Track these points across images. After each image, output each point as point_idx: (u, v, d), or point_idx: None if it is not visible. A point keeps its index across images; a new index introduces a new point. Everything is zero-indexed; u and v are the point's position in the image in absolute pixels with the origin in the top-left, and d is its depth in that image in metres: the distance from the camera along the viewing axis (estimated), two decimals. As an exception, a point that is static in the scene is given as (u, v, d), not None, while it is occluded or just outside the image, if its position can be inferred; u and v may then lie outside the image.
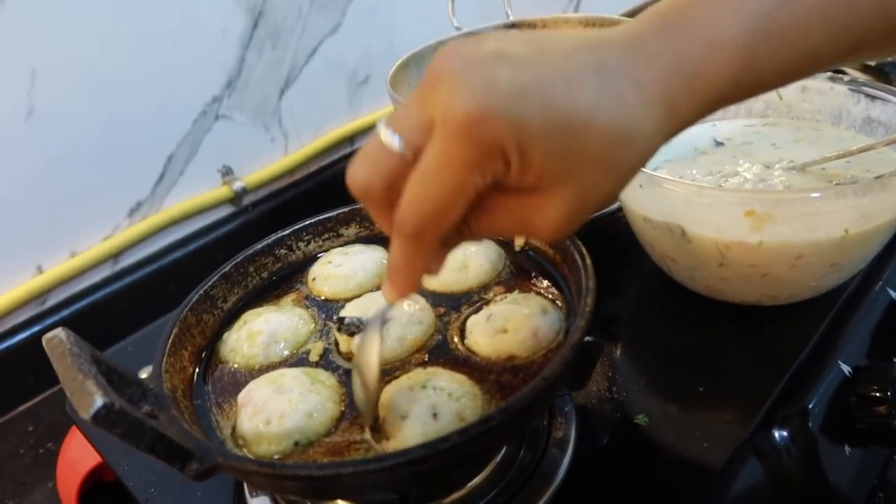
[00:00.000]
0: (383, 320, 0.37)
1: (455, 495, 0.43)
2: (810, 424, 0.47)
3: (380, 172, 0.30)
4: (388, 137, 0.29)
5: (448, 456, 0.32)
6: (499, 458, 0.45)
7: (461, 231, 0.32)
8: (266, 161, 0.89)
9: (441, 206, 0.28)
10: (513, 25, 0.82)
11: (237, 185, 0.85)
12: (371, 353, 0.36)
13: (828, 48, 0.31)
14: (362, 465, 0.31)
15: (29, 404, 0.72)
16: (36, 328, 0.73)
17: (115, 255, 0.78)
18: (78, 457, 0.58)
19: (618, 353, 0.54)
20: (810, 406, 0.48)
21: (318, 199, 0.93)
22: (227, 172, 0.85)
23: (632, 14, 1.29)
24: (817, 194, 0.43)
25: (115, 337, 0.69)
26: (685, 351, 0.53)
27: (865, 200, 0.44)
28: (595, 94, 0.28)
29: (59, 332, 0.34)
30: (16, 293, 0.71)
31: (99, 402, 0.29)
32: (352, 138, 0.98)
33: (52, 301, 0.75)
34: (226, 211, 0.87)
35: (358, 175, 0.30)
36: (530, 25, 0.81)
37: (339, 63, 0.93)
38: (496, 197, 0.30)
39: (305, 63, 0.89)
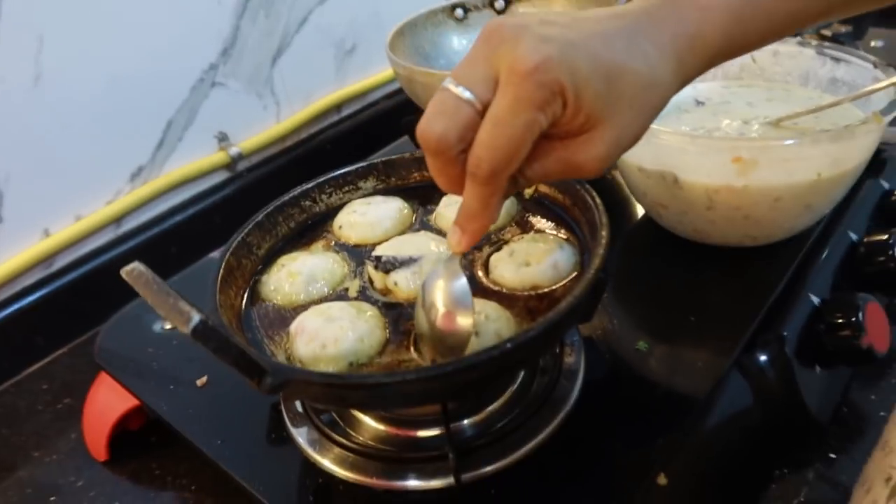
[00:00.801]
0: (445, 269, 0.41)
1: (478, 416, 0.48)
2: (786, 349, 0.53)
3: (454, 124, 0.34)
4: (460, 91, 0.34)
5: (496, 362, 0.36)
6: (515, 385, 0.50)
7: (516, 179, 0.37)
8: (259, 128, 0.92)
9: (513, 144, 0.33)
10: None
11: (233, 150, 0.88)
12: (441, 297, 0.40)
13: (805, 10, 0.37)
14: (426, 371, 0.35)
15: (41, 364, 0.74)
16: (44, 291, 0.74)
17: (118, 220, 0.80)
18: (106, 404, 0.60)
19: (614, 294, 0.59)
20: (785, 333, 0.54)
21: (308, 164, 0.96)
22: (223, 139, 0.88)
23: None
24: (794, 141, 0.49)
25: (120, 300, 0.72)
26: (675, 289, 0.58)
27: (836, 147, 0.50)
28: (625, 49, 0.35)
29: (137, 264, 0.37)
30: (24, 256, 0.72)
31: (196, 317, 0.33)
32: (339, 106, 1.01)
33: (59, 264, 0.76)
34: (222, 176, 0.89)
35: (435, 127, 0.34)
36: (517, -4, 0.85)
37: (328, 32, 0.95)
38: (547, 144, 0.36)
39: (296, 31, 0.91)
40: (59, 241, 0.75)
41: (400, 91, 1.05)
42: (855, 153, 0.52)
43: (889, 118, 0.51)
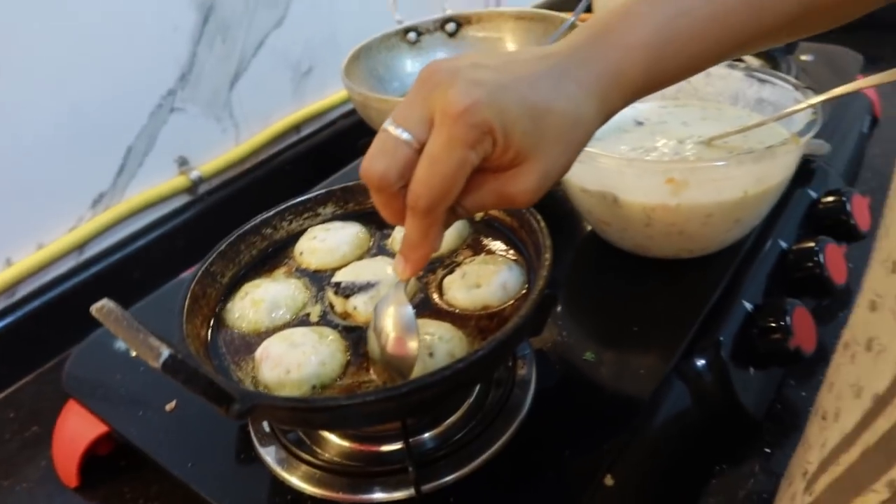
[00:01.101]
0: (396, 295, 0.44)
1: (437, 429, 0.51)
2: (722, 353, 0.57)
3: (394, 163, 0.37)
4: (398, 132, 0.37)
5: (450, 381, 0.39)
6: (471, 398, 0.53)
7: (455, 210, 0.40)
8: (219, 151, 0.93)
9: (447, 180, 0.36)
10: (449, 19, 0.90)
11: (194, 174, 0.89)
12: (390, 324, 0.43)
13: (715, 49, 0.41)
14: (384, 392, 0.38)
15: (6, 392, 0.74)
16: (7, 320, 0.75)
17: (81, 246, 0.81)
18: (76, 430, 0.62)
19: (563, 306, 0.63)
20: (721, 338, 0.58)
21: (269, 185, 0.98)
22: (183, 163, 0.89)
23: (547, 5, 1.39)
24: (723, 163, 0.54)
25: (84, 326, 0.73)
26: (619, 300, 0.62)
27: (759, 167, 0.54)
28: (551, 89, 0.38)
29: (106, 301, 0.39)
30: (-13, 286, 0.73)
31: (166, 352, 0.35)
32: (298, 127, 1.03)
33: (22, 292, 0.77)
34: (183, 200, 0.91)
35: (376, 166, 0.37)
36: (466, 20, 0.89)
37: (285, 55, 0.98)
38: (481, 177, 0.39)
39: (253, 55, 0.93)
40: (22, 270, 0.75)
41: (357, 110, 1.08)
42: (777, 171, 0.56)
43: (806, 139, 0.55)
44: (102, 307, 0.39)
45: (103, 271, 0.83)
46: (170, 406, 0.57)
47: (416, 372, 0.43)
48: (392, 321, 0.42)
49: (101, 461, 0.63)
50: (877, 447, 0.30)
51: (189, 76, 0.87)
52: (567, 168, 0.40)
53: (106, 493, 0.61)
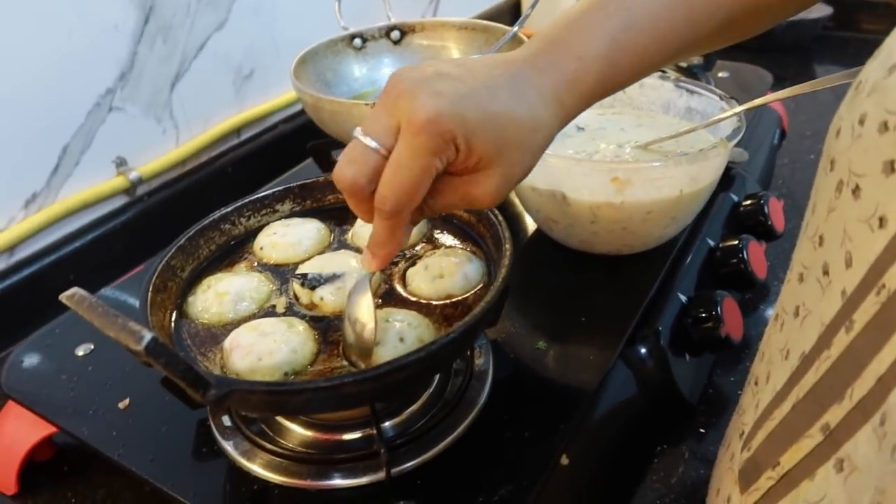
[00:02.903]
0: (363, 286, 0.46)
1: (398, 418, 0.53)
2: (661, 341, 0.62)
3: (364, 170, 0.39)
4: (367, 141, 0.39)
5: (424, 362, 0.41)
6: (432, 388, 0.55)
7: (422, 209, 0.42)
8: (158, 152, 0.92)
9: (412, 185, 0.38)
10: (394, 27, 0.92)
11: (132, 175, 0.87)
12: (365, 313, 0.44)
13: (660, 56, 0.45)
14: (362, 374, 0.39)
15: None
16: (-66, 325, 0.71)
17: (11, 248, 0.78)
18: (15, 435, 0.59)
19: (514, 300, 0.66)
20: (660, 328, 0.62)
21: (209, 187, 0.97)
22: (121, 163, 0.87)
23: (486, 16, 1.44)
24: (662, 163, 0.58)
25: (15, 330, 0.70)
26: (566, 294, 0.66)
27: (693, 167, 0.59)
28: (510, 97, 0.40)
29: (77, 289, 0.39)
30: (-90, 289, 0.69)
31: (148, 335, 0.35)
32: (238, 130, 1.02)
33: (-51, 297, 0.73)
34: (121, 201, 0.88)
35: (346, 173, 0.40)
36: (411, 28, 0.91)
37: (226, 58, 0.97)
38: (446, 180, 0.41)
39: (195, 57, 0.92)
40: (-51, 273, 0.72)
41: (299, 114, 1.08)
42: (708, 172, 0.61)
43: (733, 143, 0.61)
44: (74, 295, 0.39)
45: (35, 274, 0.79)
46: (123, 404, 0.56)
47: (390, 356, 0.44)
48: (367, 311, 0.44)
49: (41, 467, 0.61)
50: (806, 399, 0.33)
51: (129, 76, 0.85)
52: (528, 171, 0.43)
53: (48, 499, 0.59)
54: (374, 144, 0.39)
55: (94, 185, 0.84)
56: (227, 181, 0.99)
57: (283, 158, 0.97)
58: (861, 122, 0.29)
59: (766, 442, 0.37)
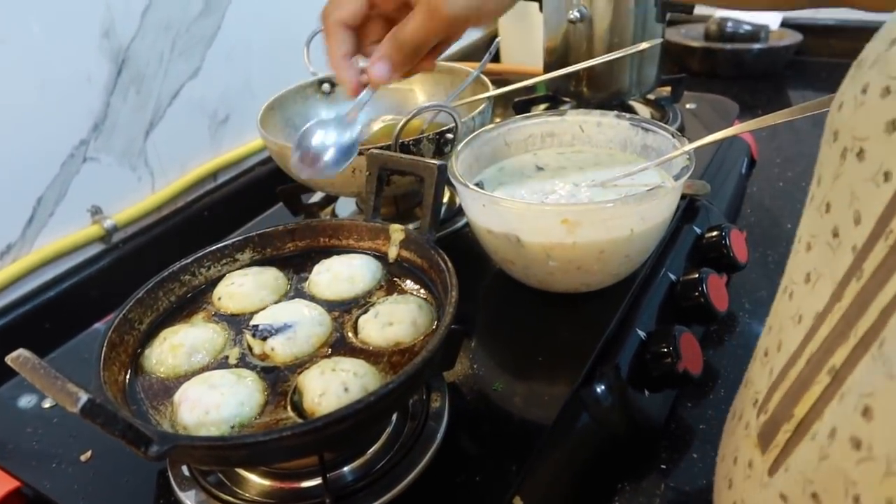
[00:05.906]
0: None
1: (357, 462, 0.53)
2: (620, 377, 0.62)
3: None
4: None
5: (363, 413, 0.42)
6: (389, 429, 0.56)
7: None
8: (134, 199, 0.94)
9: None
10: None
11: (108, 223, 0.89)
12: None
13: None
14: (300, 427, 0.40)
15: None
16: None
17: (-13, 299, 0.79)
18: (-18, 491, 0.60)
19: (474, 340, 0.67)
20: (619, 363, 0.63)
21: (186, 232, 0.99)
22: (96, 212, 0.89)
23: (462, 54, 1.46)
24: (610, 204, 0.59)
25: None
26: (525, 332, 0.66)
27: (642, 207, 0.61)
28: None
29: (22, 351, 0.40)
30: None
31: (84, 397, 0.36)
32: (215, 174, 1.04)
33: (-77, 349, 0.74)
34: (97, 249, 0.90)
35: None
36: (378, 71, 0.93)
37: (201, 104, 0.99)
38: None
39: (169, 105, 0.95)
40: (-77, 326, 0.73)
41: (274, 157, 1.10)
42: (658, 211, 0.62)
43: (681, 182, 0.62)
44: (18, 356, 0.40)
45: (11, 323, 0.81)
46: (85, 456, 0.57)
47: (334, 406, 0.45)
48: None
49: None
50: (819, 350, 0.33)
51: (102, 126, 0.87)
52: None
53: (17, 553, 0.59)
54: None
55: (68, 234, 0.86)
56: (204, 225, 1.01)
57: (260, 201, 0.99)
58: (864, 91, 0.31)
59: (782, 402, 0.37)
